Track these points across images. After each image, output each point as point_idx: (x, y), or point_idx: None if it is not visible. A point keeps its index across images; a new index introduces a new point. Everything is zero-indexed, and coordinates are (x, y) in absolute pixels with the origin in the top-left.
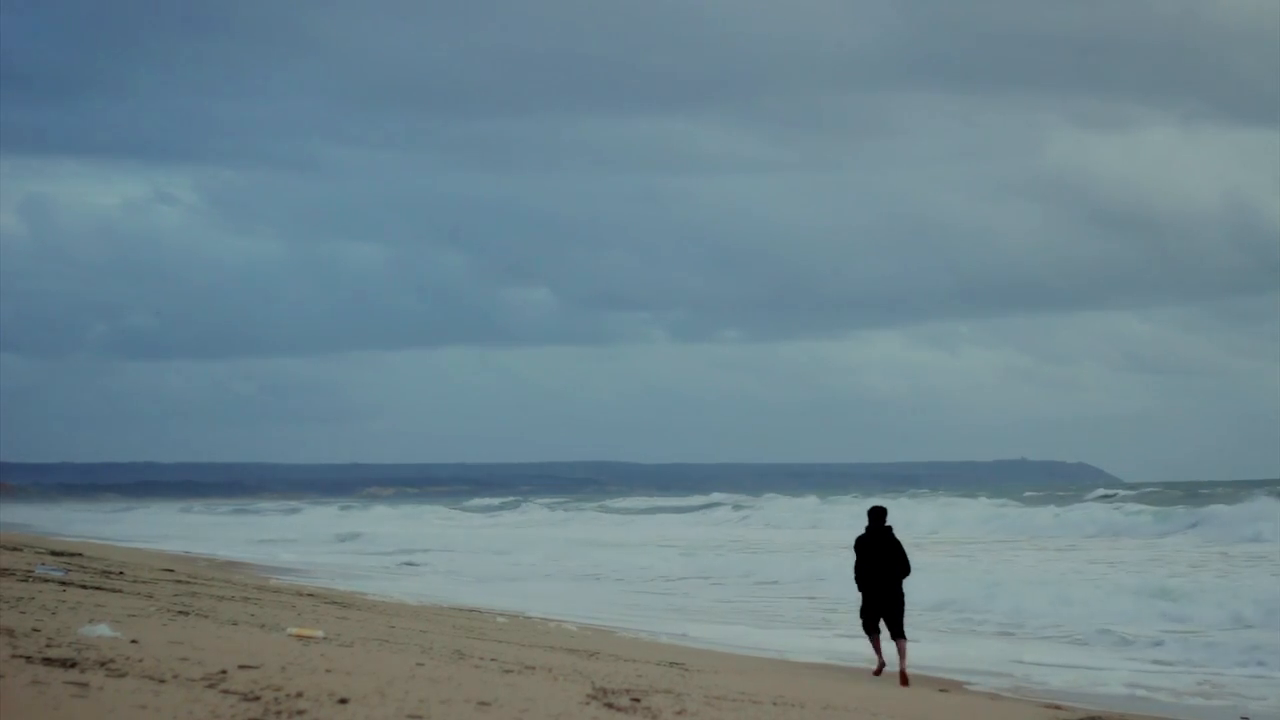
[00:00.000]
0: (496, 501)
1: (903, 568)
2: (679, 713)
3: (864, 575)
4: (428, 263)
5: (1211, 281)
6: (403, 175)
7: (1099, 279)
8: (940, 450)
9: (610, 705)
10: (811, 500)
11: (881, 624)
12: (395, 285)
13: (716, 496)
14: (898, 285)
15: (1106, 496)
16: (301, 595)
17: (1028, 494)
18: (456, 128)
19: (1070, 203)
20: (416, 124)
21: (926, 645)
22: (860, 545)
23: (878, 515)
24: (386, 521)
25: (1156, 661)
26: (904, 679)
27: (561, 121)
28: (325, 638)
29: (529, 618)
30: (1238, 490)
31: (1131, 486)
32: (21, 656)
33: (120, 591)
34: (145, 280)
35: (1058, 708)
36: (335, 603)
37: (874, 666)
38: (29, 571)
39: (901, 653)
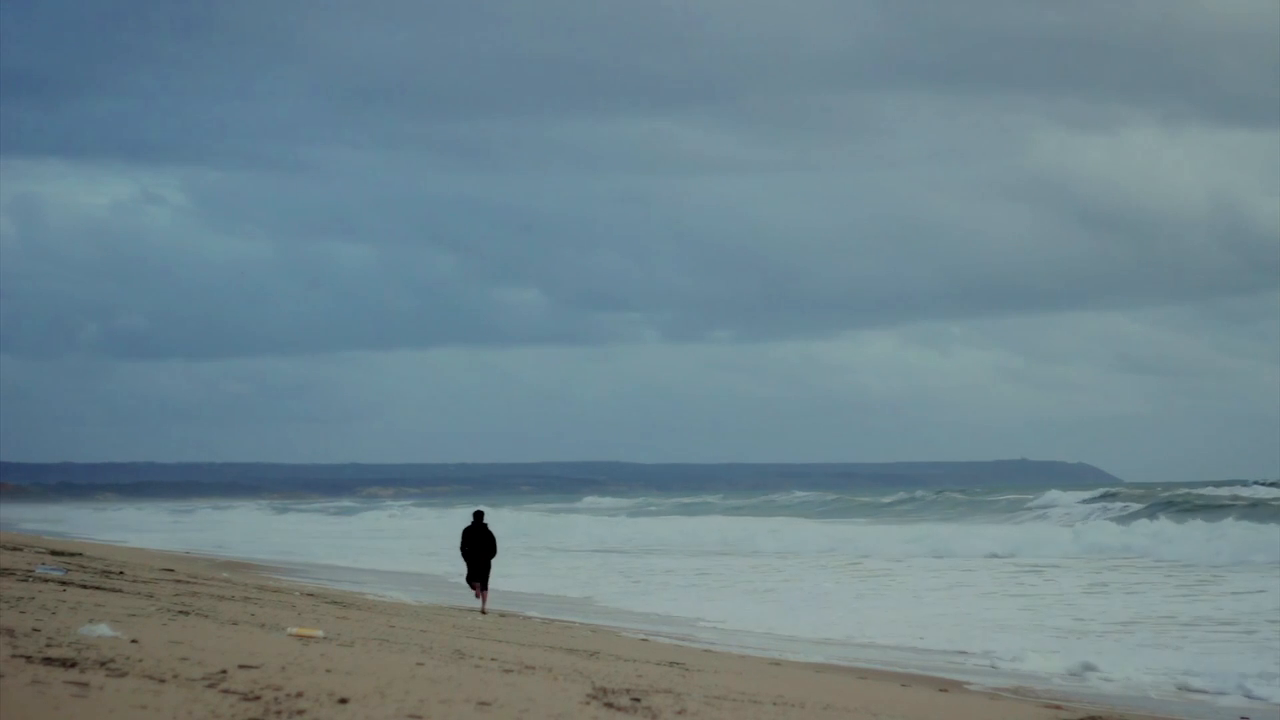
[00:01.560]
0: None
1: (492, 551)
2: (679, 713)
3: (468, 553)
4: (417, 263)
5: (1200, 282)
6: (389, 176)
7: (1088, 279)
8: (941, 450)
9: (610, 705)
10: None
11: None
12: (386, 286)
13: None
14: (888, 285)
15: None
16: (302, 595)
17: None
18: (440, 129)
19: (1057, 203)
20: (400, 125)
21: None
22: (466, 533)
23: (479, 515)
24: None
25: None
26: (483, 609)
27: (544, 123)
28: (325, 637)
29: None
30: (1217, 490)
31: (1130, 487)
32: (21, 656)
33: (120, 591)
34: (136, 281)
35: (1058, 708)
36: (335, 603)
37: (480, 607)
38: (29, 571)
39: (484, 596)
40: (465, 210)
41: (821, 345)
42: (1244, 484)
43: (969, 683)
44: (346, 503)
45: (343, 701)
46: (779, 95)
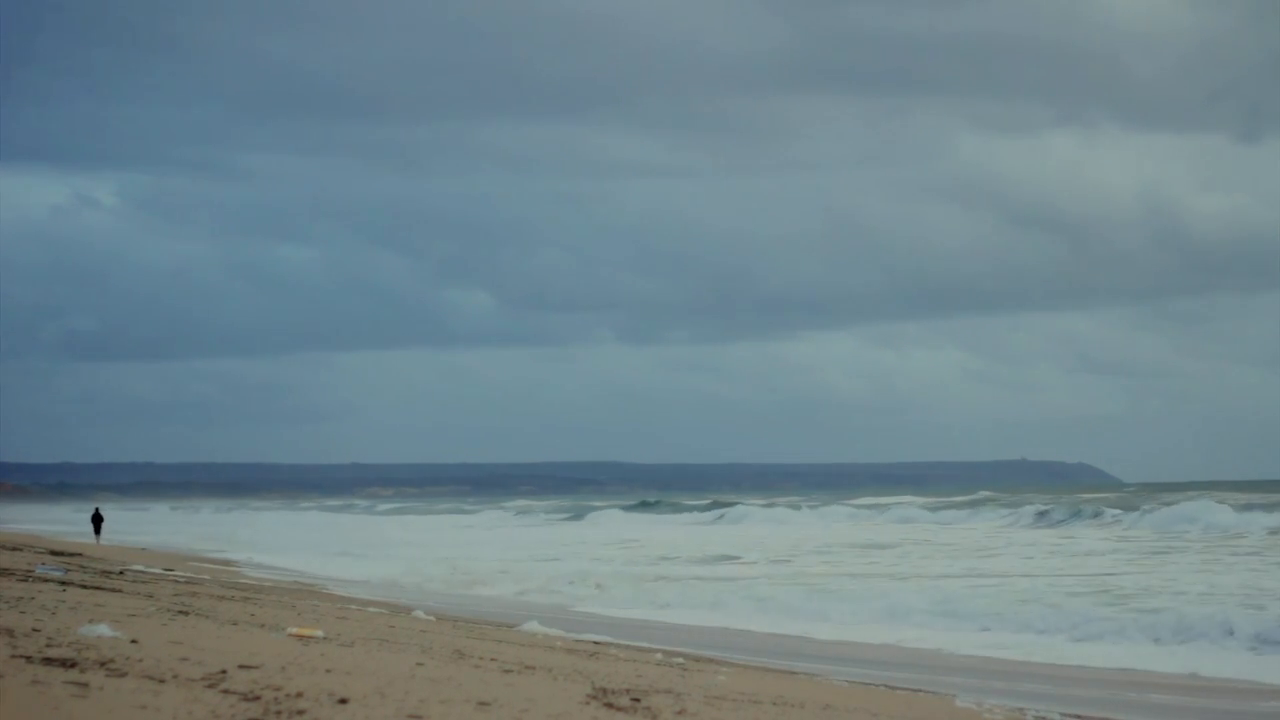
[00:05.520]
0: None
1: (102, 520)
2: (679, 713)
3: (93, 519)
4: (362, 266)
5: (1146, 284)
6: (321, 180)
7: (1035, 282)
8: (938, 451)
9: (610, 705)
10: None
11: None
12: (337, 288)
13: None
14: (837, 287)
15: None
16: (301, 596)
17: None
18: (364, 134)
19: (989, 206)
20: (326, 131)
21: None
22: (93, 515)
23: (98, 509)
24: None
25: None
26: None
27: (467, 127)
28: (325, 638)
29: None
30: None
31: (1129, 487)
32: (21, 656)
33: (120, 591)
34: (88, 283)
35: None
36: (336, 603)
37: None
38: (29, 571)
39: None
40: (402, 213)
41: (785, 346)
42: None
43: (954, 680)
44: (308, 503)
45: (343, 702)
46: (695, 100)
